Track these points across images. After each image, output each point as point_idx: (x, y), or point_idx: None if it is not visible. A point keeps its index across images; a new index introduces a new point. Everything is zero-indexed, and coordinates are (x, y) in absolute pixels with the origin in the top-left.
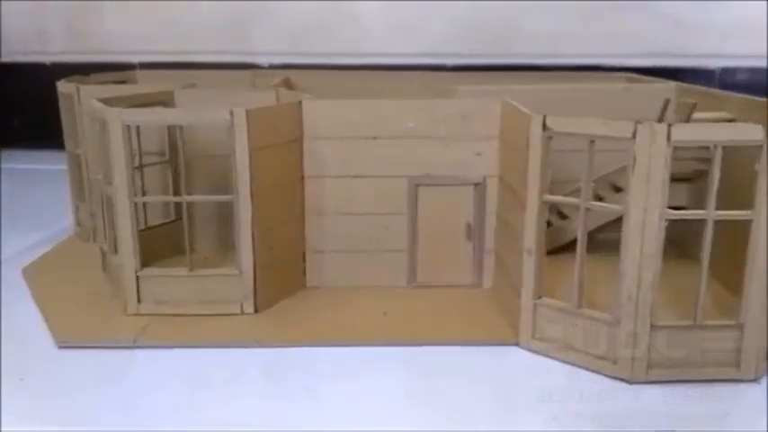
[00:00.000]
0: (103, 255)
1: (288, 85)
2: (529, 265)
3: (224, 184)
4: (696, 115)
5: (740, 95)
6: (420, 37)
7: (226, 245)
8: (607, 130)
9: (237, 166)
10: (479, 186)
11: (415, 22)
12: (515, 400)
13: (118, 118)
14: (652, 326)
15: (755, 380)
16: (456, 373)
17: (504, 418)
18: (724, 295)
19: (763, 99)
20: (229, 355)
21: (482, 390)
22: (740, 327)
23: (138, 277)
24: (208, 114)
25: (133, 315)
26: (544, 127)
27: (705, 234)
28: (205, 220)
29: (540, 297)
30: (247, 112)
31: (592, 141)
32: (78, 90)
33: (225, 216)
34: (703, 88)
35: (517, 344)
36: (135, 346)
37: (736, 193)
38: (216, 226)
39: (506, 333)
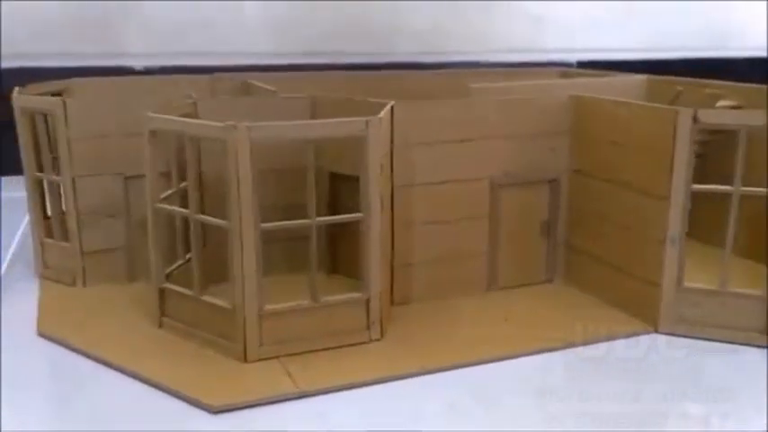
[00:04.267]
0: (163, 296)
1: (248, 90)
2: (672, 253)
3: (288, 201)
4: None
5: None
6: (301, 35)
7: (295, 268)
8: (752, 119)
9: (370, 180)
10: (554, 183)
11: (296, 20)
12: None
13: (246, 136)
14: None
15: None
16: (629, 369)
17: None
18: None
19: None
20: (400, 387)
21: (671, 375)
22: None
23: (260, 317)
24: (345, 125)
25: (256, 361)
26: (695, 120)
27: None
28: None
29: (682, 283)
30: (378, 119)
31: (740, 132)
32: (65, 105)
33: (294, 238)
34: (675, 78)
35: (655, 330)
36: (299, 395)
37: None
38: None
39: (636, 322)
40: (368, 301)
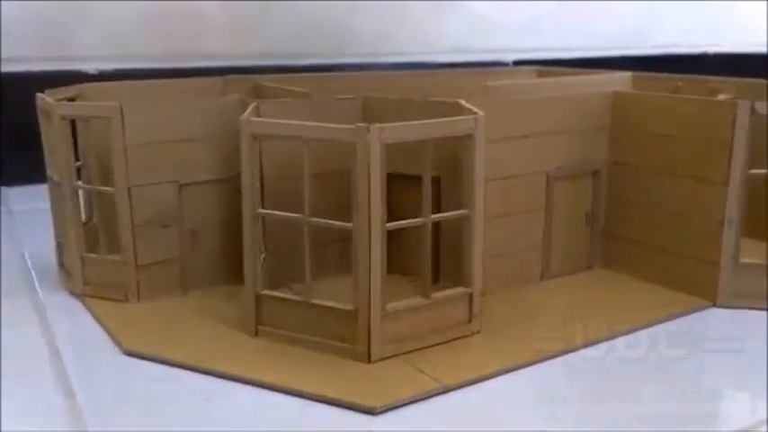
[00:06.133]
0: (259, 303)
1: (258, 92)
2: (729, 232)
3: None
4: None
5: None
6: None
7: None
8: None
9: (475, 177)
10: (597, 174)
11: (253, 21)
12: None
13: (377, 138)
14: None
15: None
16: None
17: None
18: None
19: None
20: (528, 373)
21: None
22: None
23: (383, 317)
24: (459, 123)
25: (379, 361)
26: (752, 111)
27: None
28: (321, 245)
29: (738, 260)
30: (483, 117)
31: None
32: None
33: (346, 240)
34: (658, 74)
35: (713, 305)
36: (443, 390)
37: None
38: (333, 251)
39: (693, 299)
40: (471, 296)
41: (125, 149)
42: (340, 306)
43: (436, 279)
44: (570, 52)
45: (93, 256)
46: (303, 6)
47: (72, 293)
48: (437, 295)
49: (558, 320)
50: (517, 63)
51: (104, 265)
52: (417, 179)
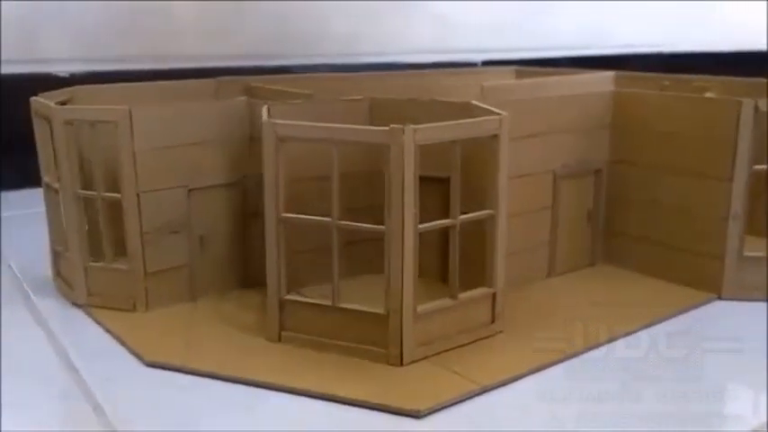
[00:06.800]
0: (282, 309)
1: (252, 94)
2: (734, 227)
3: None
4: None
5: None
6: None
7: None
8: None
9: (500, 178)
10: (599, 172)
11: (225, 23)
12: None
13: (412, 139)
14: None
15: None
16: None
17: None
18: None
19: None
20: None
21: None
22: None
23: (414, 319)
24: (485, 123)
25: (410, 364)
26: (756, 109)
27: None
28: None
29: (743, 253)
30: (507, 118)
31: None
32: (131, 114)
33: (370, 240)
34: (641, 74)
35: (718, 298)
36: (481, 391)
37: None
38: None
39: (697, 293)
40: (494, 296)
41: (134, 154)
42: (371, 309)
43: (445, 280)
44: (531, 52)
45: (97, 264)
46: (274, 7)
47: (74, 304)
48: (464, 296)
49: (575, 318)
50: (486, 63)
51: (109, 274)
52: (427, 180)
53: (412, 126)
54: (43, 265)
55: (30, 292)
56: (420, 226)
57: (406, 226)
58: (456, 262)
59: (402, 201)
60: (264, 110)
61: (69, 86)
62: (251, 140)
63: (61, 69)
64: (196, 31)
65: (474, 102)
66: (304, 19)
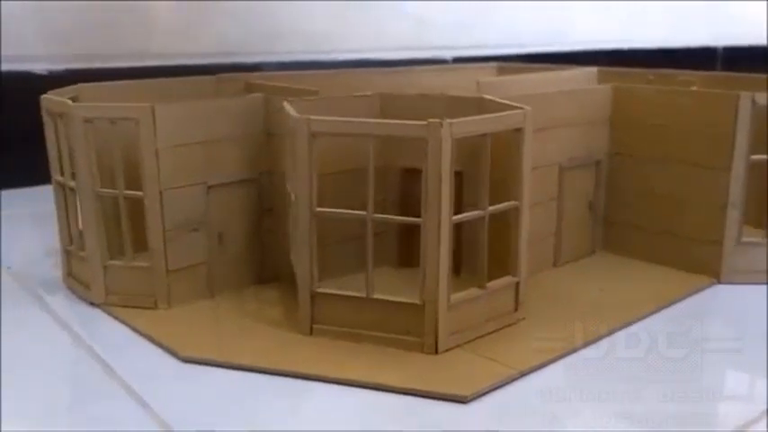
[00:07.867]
0: (313, 302)
1: (252, 89)
2: (733, 215)
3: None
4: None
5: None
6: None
7: (408, 261)
8: None
9: (524, 171)
10: (599, 164)
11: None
12: None
13: (449, 133)
14: None
15: None
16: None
17: None
18: None
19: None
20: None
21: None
22: None
23: (449, 309)
24: (512, 117)
25: (445, 352)
26: (753, 102)
27: None
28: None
29: (741, 239)
30: (530, 111)
31: None
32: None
33: (406, 230)
34: (623, 69)
35: (717, 282)
36: (519, 375)
37: None
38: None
39: (698, 277)
40: (517, 285)
41: (156, 152)
42: (407, 300)
43: (457, 272)
44: (498, 49)
45: (117, 263)
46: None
47: (91, 304)
48: (491, 285)
49: (589, 304)
50: (456, 60)
51: (130, 273)
52: None
53: (449, 120)
54: (43, 266)
55: (43, 293)
56: (453, 218)
57: (443, 218)
58: (485, 252)
59: (439, 193)
60: (288, 106)
61: (53, 85)
62: (268, 136)
63: (38, 67)
64: (170, 29)
65: (487, 96)
66: (274, 17)
